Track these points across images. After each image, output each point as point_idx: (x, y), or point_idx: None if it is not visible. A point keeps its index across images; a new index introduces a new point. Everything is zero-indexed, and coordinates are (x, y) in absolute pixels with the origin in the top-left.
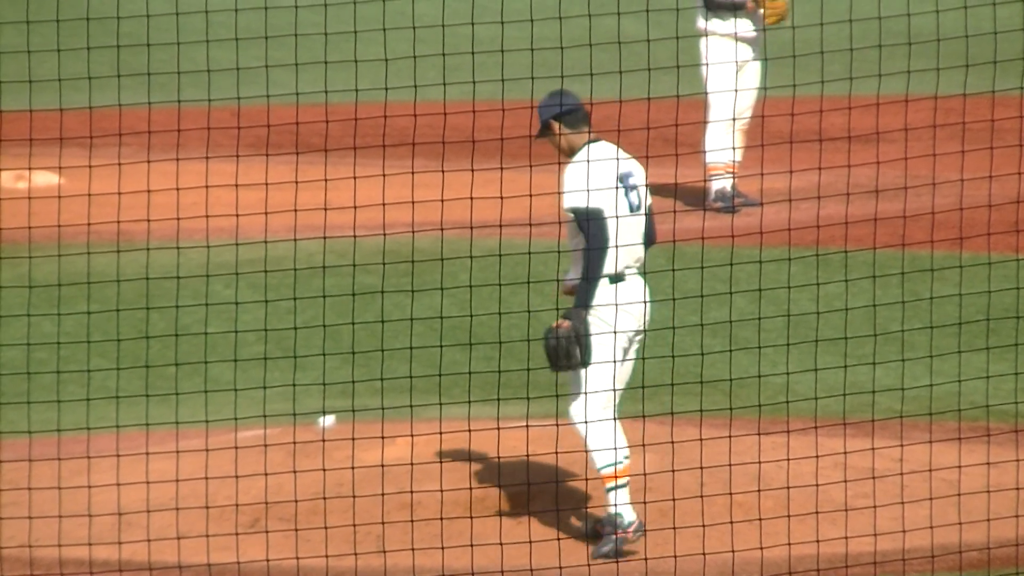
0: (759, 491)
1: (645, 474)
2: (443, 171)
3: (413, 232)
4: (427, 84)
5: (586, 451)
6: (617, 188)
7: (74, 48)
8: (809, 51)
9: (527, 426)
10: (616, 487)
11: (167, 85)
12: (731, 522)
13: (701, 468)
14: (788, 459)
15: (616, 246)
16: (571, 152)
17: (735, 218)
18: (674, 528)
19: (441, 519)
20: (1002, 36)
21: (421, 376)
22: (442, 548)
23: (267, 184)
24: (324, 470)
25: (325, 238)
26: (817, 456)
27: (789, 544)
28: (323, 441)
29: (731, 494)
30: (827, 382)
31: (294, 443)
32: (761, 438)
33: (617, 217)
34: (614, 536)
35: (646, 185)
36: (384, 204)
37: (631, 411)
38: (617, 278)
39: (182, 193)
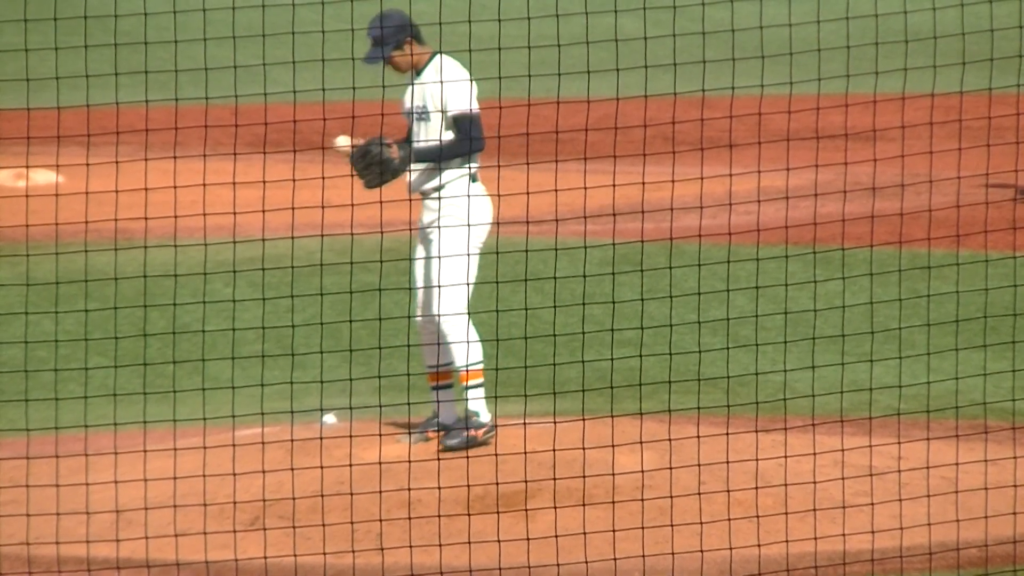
0: (757, 489)
1: (643, 471)
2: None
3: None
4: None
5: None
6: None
7: (72, 46)
8: (806, 49)
9: (524, 424)
10: (473, 385)
11: (165, 83)
12: (729, 520)
13: (699, 466)
14: (786, 457)
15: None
16: (417, 67)
17: (732, 216)
18: (672, 526)
19: (439, 517)
20: (999, 33)
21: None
22: (440, 546)
23: (265, 182)
24: (322, 468)
25: (323, 236)
26: (815, 454)
27: (787, 542)
28: (321, 439)
29: (729, 492)
30: (825, 380)
31: (292, 441)
32: (759, 436)
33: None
34: (465, 433)
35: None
36: (382, 202)
37: (630, 408)
38: (475, 178)
39: (180, 191)
